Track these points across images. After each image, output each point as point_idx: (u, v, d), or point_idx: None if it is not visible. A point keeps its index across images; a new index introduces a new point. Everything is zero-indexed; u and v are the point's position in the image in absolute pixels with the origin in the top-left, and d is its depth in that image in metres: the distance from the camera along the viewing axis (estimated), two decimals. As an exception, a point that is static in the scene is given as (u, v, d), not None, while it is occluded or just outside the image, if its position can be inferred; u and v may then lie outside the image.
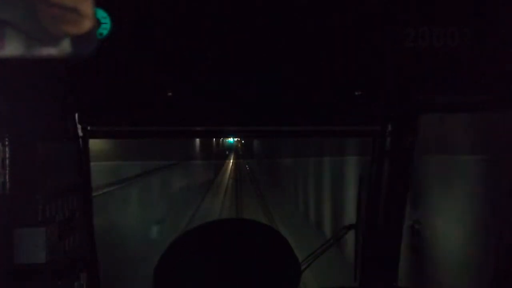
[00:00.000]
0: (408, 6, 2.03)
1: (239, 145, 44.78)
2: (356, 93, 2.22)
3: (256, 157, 33.63)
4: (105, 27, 1.80)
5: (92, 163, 2.44)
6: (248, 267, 2.32)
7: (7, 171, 1.60)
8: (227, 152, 41.34)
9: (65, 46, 1.03)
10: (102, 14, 1.79)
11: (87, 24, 1.02)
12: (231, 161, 38.38)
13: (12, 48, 0.99)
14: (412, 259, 4.99)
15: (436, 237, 5.18)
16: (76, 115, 2.27)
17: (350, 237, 2.80)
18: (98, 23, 1.78)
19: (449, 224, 5.11)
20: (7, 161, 1.60)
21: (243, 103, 2.39)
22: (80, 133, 2.30)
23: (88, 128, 2.34)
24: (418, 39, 1.97)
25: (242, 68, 2.10)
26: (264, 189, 24.03)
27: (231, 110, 2.45)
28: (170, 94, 2.16)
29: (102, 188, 6.47)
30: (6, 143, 1.60)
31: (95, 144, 2.49)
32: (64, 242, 1.96)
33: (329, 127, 2.81)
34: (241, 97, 2.30)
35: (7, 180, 1.60)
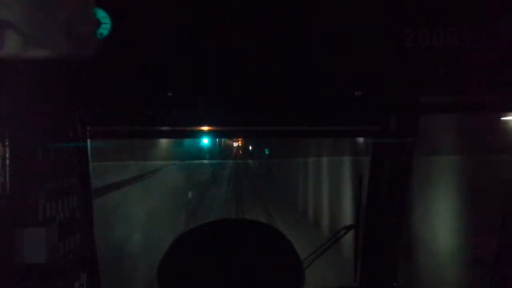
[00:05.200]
0: (408, 6, 2.04)
1: (239, 146, 44.80)
2: (356, 93, 2.22)
3: (256, 158, 33.64)
4: (105, 27, 1.80)
5: (92, 163, 2.44)
6: (250, 266, 2.32)
7: (7, 171, 1.60)
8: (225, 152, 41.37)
9: (66, 47, 1.03)
10: (102, 14, 1.80)
11: (87, 25, 1.02)
12: (231, 161, 38.43)
13: (13, 48, 0.99)
14: (412, 259, 4.99)
15: (436, 237, 5.18)
16: (76, 115, 2.27)
17: (350, 237, 2.80)
18: (98, 23, 1.78)
19: (449, 224, 5.11)
20: (7, 161, 1.60)
21: (242, 103, 2.39)
22: (80, 133, 2.30)
23: (88, 128, 2.34)
24: (418, 39, 1.97)
25: (242, 68, 2.10)
26: (264, 189, 24.02)
27: (231, 110, 2.45)
28: (170, 94, 2.16)
29: (102, 188, 6.47)
30: (6, 143, 1.60)
31: (95, 144, 2.49)
32: (64, 242, 1.96)
33: (329, 127, 2.81)
34: (241, 97, 2.30)
35: (7, 180, 1.60)
